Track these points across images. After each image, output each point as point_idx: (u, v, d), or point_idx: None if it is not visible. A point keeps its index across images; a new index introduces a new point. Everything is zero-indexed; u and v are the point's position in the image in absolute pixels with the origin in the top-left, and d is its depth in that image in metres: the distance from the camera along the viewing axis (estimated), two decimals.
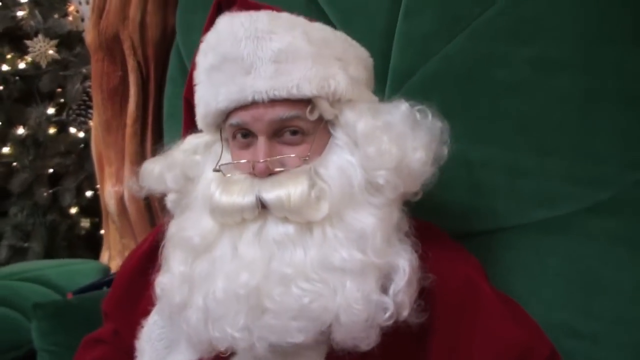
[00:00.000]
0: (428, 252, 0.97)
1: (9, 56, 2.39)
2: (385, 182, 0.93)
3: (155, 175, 1.05)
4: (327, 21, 1.41)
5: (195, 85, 1.01)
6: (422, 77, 1.32)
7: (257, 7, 0.99)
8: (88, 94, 2.32)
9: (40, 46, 2.29)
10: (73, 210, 2.54)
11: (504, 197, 1.27)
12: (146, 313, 1.10)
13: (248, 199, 0.92)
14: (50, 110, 2.48)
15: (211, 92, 0.96)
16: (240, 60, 0.92)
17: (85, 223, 2.58)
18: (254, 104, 0.92)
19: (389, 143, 0.94)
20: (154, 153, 1.76)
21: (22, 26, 2.40)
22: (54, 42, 2.35)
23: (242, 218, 0.93)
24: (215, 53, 0.96)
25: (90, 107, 2.31)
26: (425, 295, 0.95)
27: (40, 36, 2.33)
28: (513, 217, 1.27)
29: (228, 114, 0.96)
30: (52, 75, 2.42)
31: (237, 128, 0.96)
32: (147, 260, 1.09)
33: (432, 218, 1.21)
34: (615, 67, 1.17)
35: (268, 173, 0.93)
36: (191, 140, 1.06)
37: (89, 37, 1.76)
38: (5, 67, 2.42)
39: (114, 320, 1.20)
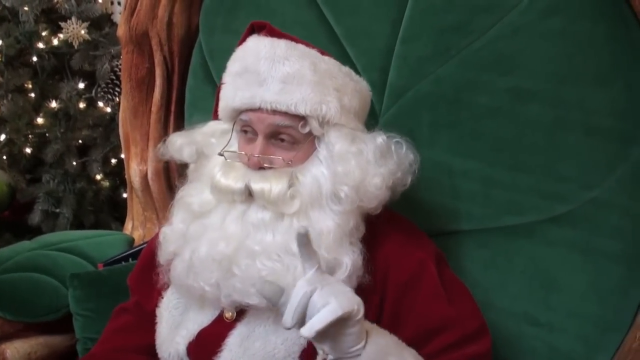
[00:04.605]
0: (395, 237, 1.17)
1: (44, 33, 2.45)
2: (345, 196, 1.11)
3: (176, 146, 1.25)
4: (335, 38, 1.55)
5: (222, 84, 1.21)
6: (416, 94, 1.46)
7: (280, 35, 1.18)
8: (115, 73, 2.40)
9: (73, 28, 2.37)
10: (98, 177, 2.62)
11: (480, 204, 1.42)
12: (162, 288, 1.28)
13: (239, 185, 1.12)
14: (81, 86, 2.55)
15: (231, 92, 1.16)
16: (257, 73, 1.12)
17: (107, 187, 2.68)
18: (260, 109, 1.12)
19: (355, 166, 1.12)
20: None
21: (57, 9, 2.47)
22: (85, 24, 2.42)
23: (232, 199, 1.14)
24: (240, 63, 1.16)
25: (117, 86, 2.39)
26: (383, 270, 1.14)
27: (73, 18, 2.41)
28: (487, 220, 1.42)
29: (240, 112, 1.15)
30: (83, 54, 2.48)
31: (245, 124, 1.15)
32: None
33: (418, 216, 1.36)
34: (579, 102, 1.30)
35: (259, 167, 1.13)
36: (212, 125, 1.26)
37: (120, 30, 1.83)
38: (40, 45, 2.48)
39: (136, 293, 1.38)
